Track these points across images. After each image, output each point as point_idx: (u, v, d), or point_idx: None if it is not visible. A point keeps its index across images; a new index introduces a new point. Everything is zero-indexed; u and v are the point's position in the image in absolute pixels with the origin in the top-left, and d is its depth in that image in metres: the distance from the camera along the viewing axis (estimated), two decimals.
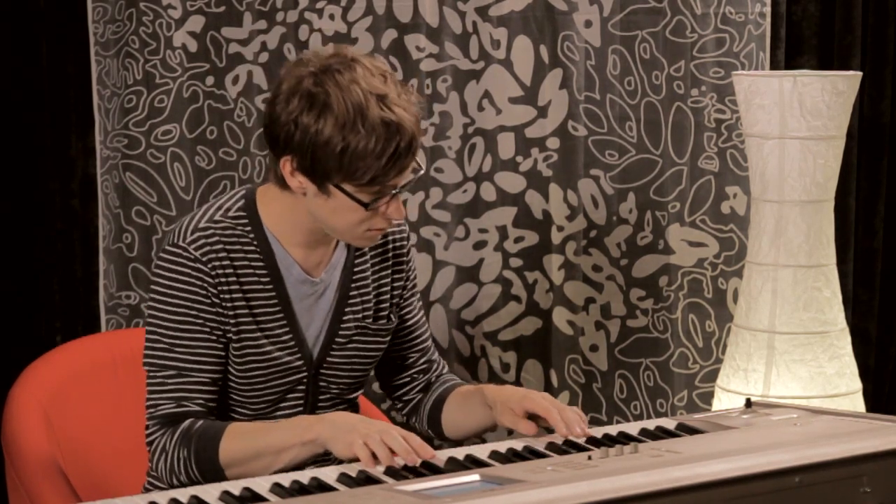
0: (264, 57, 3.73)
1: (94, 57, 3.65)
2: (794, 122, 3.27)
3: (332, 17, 3.75)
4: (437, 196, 3.85)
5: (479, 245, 3.90)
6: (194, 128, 3.71)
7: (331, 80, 2.25)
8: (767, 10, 3.80)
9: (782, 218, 3.31)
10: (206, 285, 2.34)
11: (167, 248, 2.35)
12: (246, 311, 2.37)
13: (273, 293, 2.39)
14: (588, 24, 3.82)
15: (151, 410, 2.36)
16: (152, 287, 2.37)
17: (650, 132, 3.84)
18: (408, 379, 2.61)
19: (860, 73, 3.35)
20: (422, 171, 2.36)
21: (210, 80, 3.71)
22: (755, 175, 3.36)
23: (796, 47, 3.91)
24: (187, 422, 2.33)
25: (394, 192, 2.29)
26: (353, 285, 2.47)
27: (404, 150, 2.25)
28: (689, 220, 3.85)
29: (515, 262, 3.91)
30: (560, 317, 3.91)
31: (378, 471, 2.14)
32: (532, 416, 2.35)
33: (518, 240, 3.91)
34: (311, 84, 2.26)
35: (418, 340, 2.60)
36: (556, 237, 3.89)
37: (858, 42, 3.92)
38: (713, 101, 3.81)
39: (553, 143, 3.86)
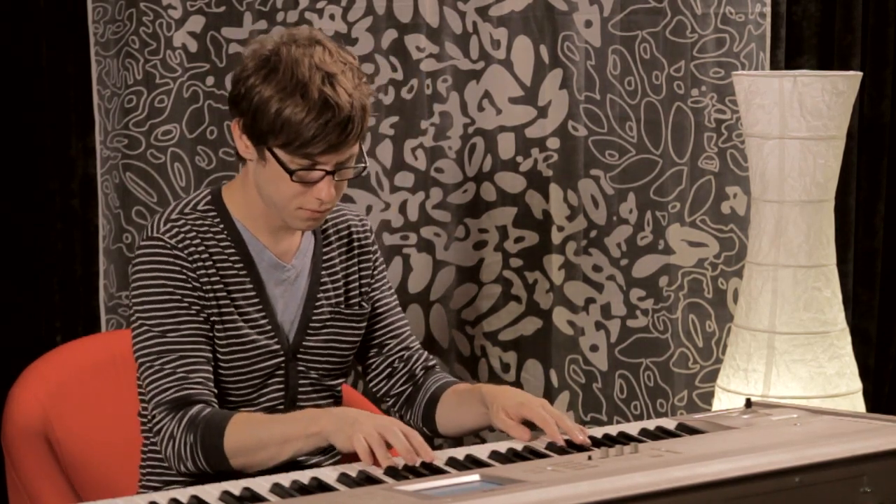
0: None
1: (94, 57, 3.65)
2: (794, 122, 3.27)
3: (332, 17, 3.75)
4: (437, 196, 3.85)
5: (479, 245, 3.90)
6: (194, 128, 3.71)
7: (287, 50, 2.36)
8: (767, 10, 3.80)
9: (782, 218, 3.31)
10: (185, 270, 2.39)
11: (143, 243, 2.42)
12: (224, 294, 2.43)
13: (247, 277, 2.45)
14: (588, 24, 3.82)
15: (157, 398, 2.37)
16: (133, 282, 2.42)
17: (650, 132, 3.84)
18: (389, 369, 2.63)
19: (860, 73, 3.35)
20: (364, 166, 2.42)
21: (210, 80, 3.71)
22: (755, 175, 3.36)
23: (796, 47, 3.91)
24: (195, 408, 2.35)
25: (326, 171, 2.35)
26: (322, 272, 2.54)
27: (336, 126, 2.31)
28: (689, 220, 3.85)
29: (516, 262, 3.91)
30: (560, 317, 3.91)
31: (378, 471, 2.14)
32: (528, 422, 2.35)
33: (518, 240, 3.91)
34: (267, 51, 2.37)
35: (392, 326, 2.63)
36: (557, 237, 3.89)
37: (858, 42, 3.92)
38: (713, 101, 3.81)
39: (553, 143, 3.86)
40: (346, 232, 2.58)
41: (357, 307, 2.57)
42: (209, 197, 2.48)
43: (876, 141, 3.98)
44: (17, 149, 3.66)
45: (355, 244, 2.59)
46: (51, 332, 3.67)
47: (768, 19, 3.80)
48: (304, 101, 2.31)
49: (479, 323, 3.93)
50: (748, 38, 3.79)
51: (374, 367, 2.64)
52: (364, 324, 2.59)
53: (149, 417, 2.40)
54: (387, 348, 2.63)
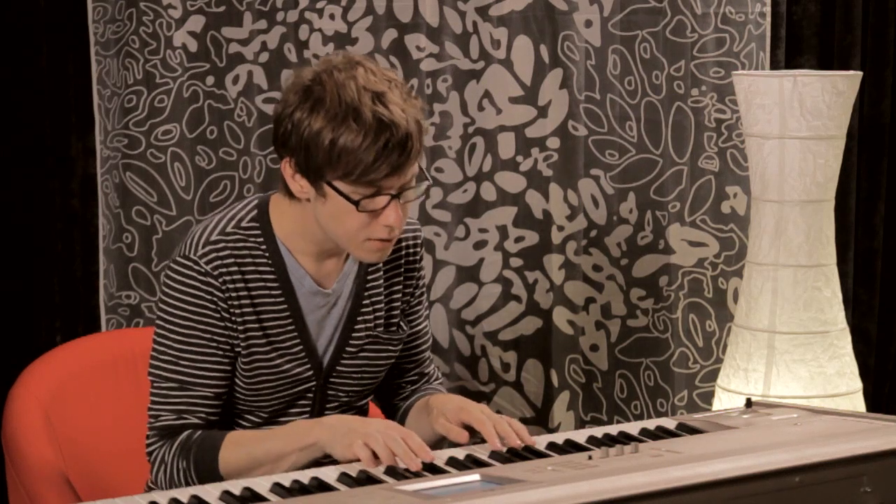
0: (265, 57, 3.73)
1: (94, 57, 3.64)
2: (794, 122, 3.27)
3: (332, 16, 3.75)
4: (437, 196, 3.85)
5: (479, 245, 3.90)
6: (194, 128, 3.71)
7: (329, 77, 2.24)
8: (767, 9, 3.80)
9: (782, 218, 3.31)
10: (215, 300, 2.31)
11: (178, 259, 2.32)
12: (256, 325, 2.35)
13: (284, 306, 2.37)
14: (588, 23, 3.82)
15: (152, 421, 2.35)
16: (161, 297, 2.35)
17: (650, 132, 3.84)
18: (395, 387, 2.58)
19: (860, 73, 3.35)
20: (428, 183, 2.33)
21: (210, 79, 3.71)
22: (755, 175, 3.36)
23: (796, 47, 3.91)
24: (186, 433, 2.31)
25: (391, 195, 2.25)
26: (365, 294, 2.44)
27: (396, 146, 2.20)
28: (689, 219, 3.85)
29: (516, 262, 3.91)
30: (560, 316, 3.91)
31: (378, 471, 2.14)
32: (469, 427, 2.30)
33: (518, 239, 3.91)
34: (308, 80, 2.25)
35: (416, 351, 2.56)
36: (557, 237, 3.89)
37: (858, 42, 3.92)
38: (713, 101, 3.81)
39: (553, 142, 3.87)
40: (395, 247, 2.46)
41: (396, 329, 2.48)
42: (255, 212, 2.36)
43: (876, 141, 3.98)
44: (17, 148, 3.66)
45: (403, 260, 2.49)
46: (51, 332, 3.67)
47: (768, 19, 3.80)
48: (359, 126, 2.18)
49: (479, 323, 3.93)
50: (748, 37, 3.79)
51: (385, 382, 2.56)
52: (399, 346, 2.51)
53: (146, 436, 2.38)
54: (402, 370, 2.56)
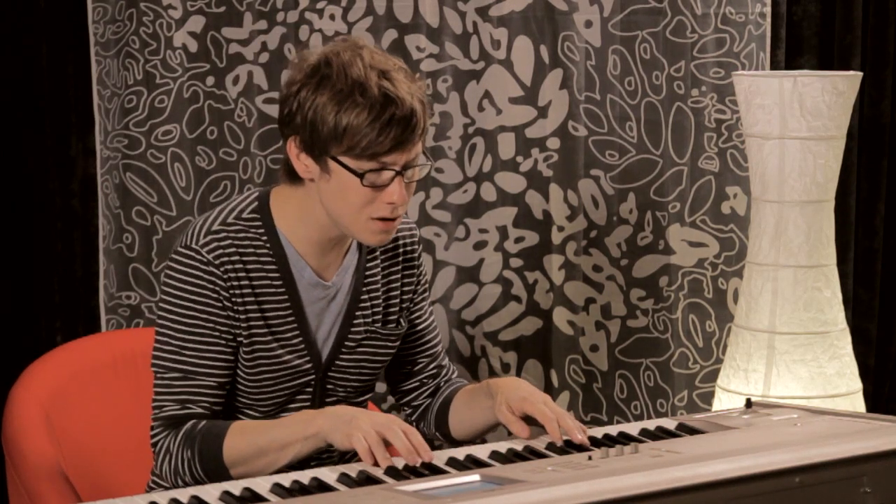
0: (265, 57, 3.73)
1: (94, 57, 3.65)
2: (794, 122, 3.27)
3: (332, 17, 3.75)
4: (437, 196, 3.85)
5: (479, 245, 3.90)
6: (195, 128, 3.71)
7: (335, 56, 2.28)
8: (767, 10, 3.80)
9: (782, 218, 3.31)
10: (217, 289, 2.32)
11: (180, 249, 2.34)
12: (257, 314, 2.36)
13: (285, 296, 2.38)
14: (588, 24, 3.82)
15: (156, 412, 2.36)
16: (163, 288, 2.36)
17: (650, 132, 3.84)
18: (416, 384, 2.60)
19: (860, 73, 3.35)
20: (429, 165, 2.36)
21: (210, 80, 3.71)
22: (755, 175, 3.36)
23: (796, 47, 3.91)
24: (190, 423, 2.33)
25: (396, 172, 2.27)
26: (363, 288, 2.46)
27: (400, 121, 2.23)
28: (689, 220, 3.85)
29: (516, 263, 3.91)
30: (560, 317, 3.92)
31: (378, 471, 2.14)
32: (528, 418, 2.33)
33: (518, 240, 3.91)
34: (315, 61, 2.29)
35: (428, 345, 2.58)
36: (557, 237, 3.89)
37: (858, 42, 3.92)
38: (713, 102, 3.81)
39: (553, 143, 3.87)
40: (392, 244, 2.49)
41: (394, 325, 2.50)
42: (256, 203, 2.39)
43: (876, 141, 3.98)
44: (17, 149, 3.66)
45: (400, 256, 2.51)
46: (51, 332, 3.67)
47: (768, 19, 3.80)
48: (365, 100, 2.22)
49: (479, 323, 3.93)
50: (748, 38, 3.79)
51: (402, 381, 2.59)
52: (398, 342, 2.52)
53: (150, 427, 2.39)
54: (419, 366, 2.58)
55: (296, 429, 2.25)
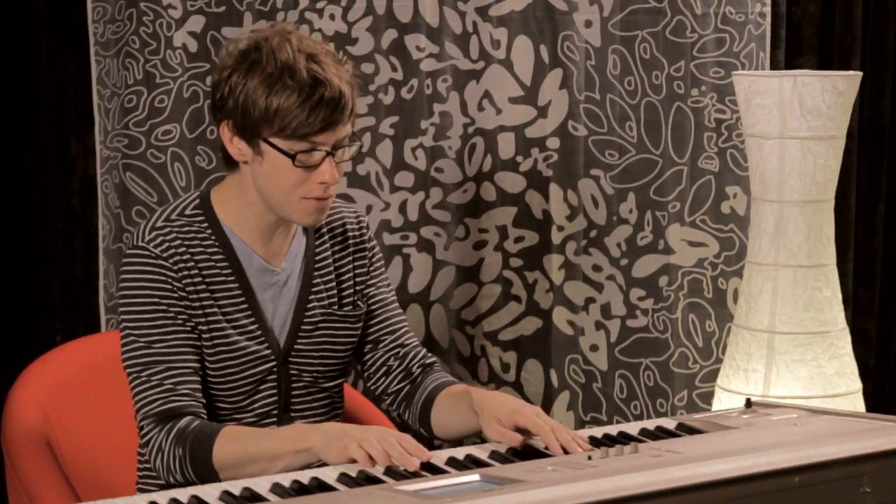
0: None
1: (94, 57, 3.65)
2: (794, 122, 3.27)
3: (332, 17, 3.75)
4: (437, 196, 3.85)
5: (479, 245, 3.90)
6: (194, 128, 3.71)
7: (264, 42, 2.35)
8: (767, 10, 3.80)
9: (782, 218, 3.31)
10: (170, 280, 2.38)
11: (128, 251, 2.41)
12: (211, 302, 2.41)
13: (235, 283, 2.44)
14: (588, 24, 3.82)
15: (144, 410, 2.37)
16: (120, 292, 2.41)
17: (650, 132, 3.84)
18: (384, 367, 2.60)
19: (860, 73, 3.35)
20: (360, 145, 2.43)
21: (210, 80, 3.70)
22: (755, 175, 3.36)
23: (796, 47, 3.91)
24: (183, 420, 2.33)
25: (326, 152, 2.33)
26: (315, 273, 2.51)
27: (328, 102, 2.30)
28: (689, 220, 3.85)
29: (515, 262, 3.91)
30: (560, 317, 3.91)
31: (378, 471, 2.14)
32: (521, 429, 2.31)
33: (518, 240, 3.91)
34: (244, 47, 2.37)
35: (387, 322, 2.60)
36: (557, 237, 3.89)
37: (858, 42, 3.92)
38: (713, 101, 3.81)
39: (553, 143, 3.87)
40: (340, 229, 2.56)
41: (351, 307, 2.55)
42: (197, 201, 2.46)
43: (876, 141, 3.98)
44: (17, 149, 3.66)
45: (350, 241, 2.57)
46: (51, 332, 3.67)
47: (768, 19, 3.80)
48: (294, 82, 2.30)
49: (479, 323, 3.93)
50: (748, 38, 3.79)
51: (369, 363, 2.62)
52: (360, 324, 2.57)
53: (138, 427, 2.40)
54: (382, 344, 2.60)
55: (288, 441, 2.26)
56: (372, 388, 2.64)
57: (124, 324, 2.40)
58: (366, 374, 2.64)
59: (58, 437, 2.76)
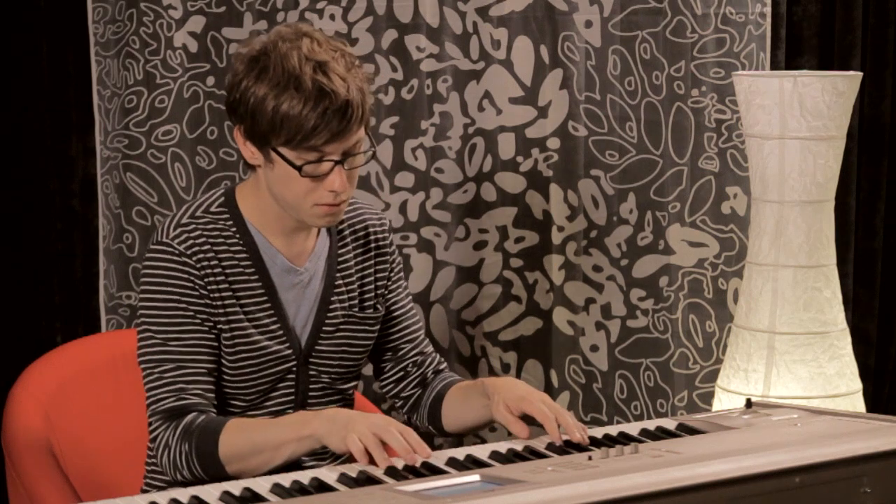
0: None
1: (94, 57, 3.65)
2: (794, 123, 3.27)
3: (332, 17, 3.75)
4: (437, 196, 3.85)
5: (479, 245, 3.90)
6: (195, 128, 3.71)
7: (274, 48, 2.33)
8: (768, 10, 3.80)
9: (782, 218, 3.31)
10: (192, 278, 2.37)
11: (152, 246, 2.40)
12: (233, 301, 2.40)
13: (259, 283, 2.43)
14: (588, 24, 3.82)
15: (153, 407, 2.37)
16: (141, 287, 2.40)
17: (650, 132, 3.84)
18: (402, 373, 2.61)
19: (860, 74, 3.35)
20: (372, 151, 2.41)
21: (211, 80, 3.71)
22: (755, 175, 3.36)
23: (796, 47, 3.91)
24: (189, 416, 2.34)
25: (334, 162, 2.32)
26: (337, 274, 2.50)
27: (335, 113, 2.28)
28: (689, 220, 3.85)
29: (516, 263, 3.91)
30: (560, 317, 3.92)
31: (378, 471, 2.14)
32: (527, 418, 2.34)
33: (518, 240, 3.91)
34: (255, 51, 2.35)
35: (408, 331, 2.61)
36: (557, 237, 3.89)
37: (858, 42, 3.92)
38: (713, 102, 3.81)
39: (553, 143, 3.87)
40: (363, 232, 2.55)
41: (371, 310, 2.54)
42: (223, 199, 2.45)
43: (876, 141, 3.98)
44: (17, 149, 3.66)
45: (372, 244, 2.56)
46: (51, 332, 3.67)
47: (768, 19, 3.80)
48: (299, 93, 2.28)
49: (479, 323, 3.93)
50: (748, 38, 3.79)
51: (387, 370, 2.62)
52: (377, 327, 2.56)
53: (148, 424, 2.40)
54: (401, 352, 2.61)
55: (291, 429, 2.27)
56: (384, 391, 2.64)
57: (142, 318, 2.39)
58: (380, 379, 2.64)
59: (58, 437, 2.76)
